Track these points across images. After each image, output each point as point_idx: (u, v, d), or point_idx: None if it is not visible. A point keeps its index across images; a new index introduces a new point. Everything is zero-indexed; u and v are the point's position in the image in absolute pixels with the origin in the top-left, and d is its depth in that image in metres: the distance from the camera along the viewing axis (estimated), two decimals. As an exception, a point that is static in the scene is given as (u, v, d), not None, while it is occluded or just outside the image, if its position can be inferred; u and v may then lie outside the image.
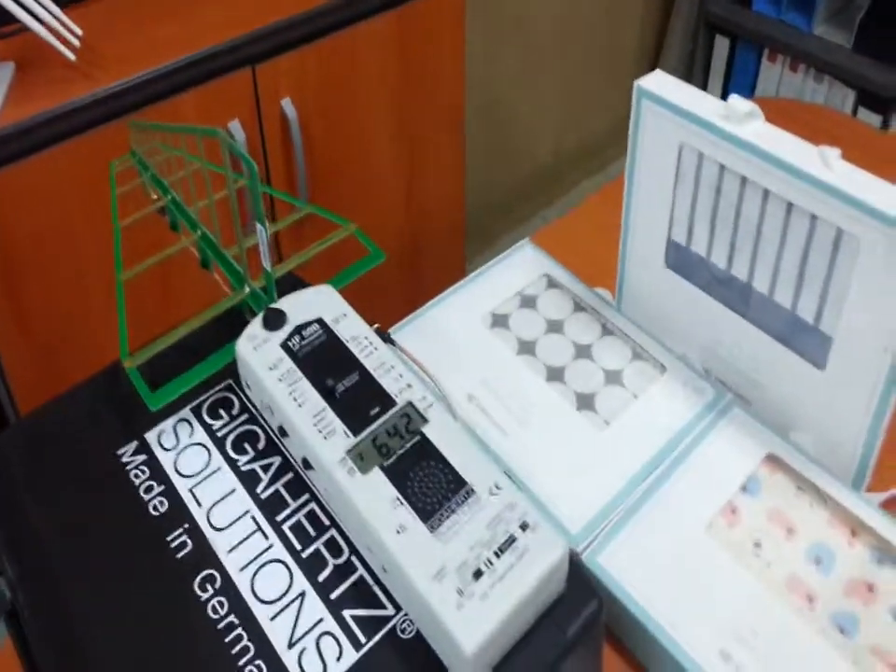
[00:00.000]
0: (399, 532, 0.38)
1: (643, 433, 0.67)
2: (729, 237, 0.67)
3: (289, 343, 0.46)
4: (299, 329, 0.46)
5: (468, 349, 0.73)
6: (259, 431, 0.48)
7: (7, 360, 0.94)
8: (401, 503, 0.39)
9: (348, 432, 0.42)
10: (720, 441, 0.67)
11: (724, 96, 2.49)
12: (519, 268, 0.82)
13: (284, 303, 0.48)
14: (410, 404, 0.43)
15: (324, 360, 0.45)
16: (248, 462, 0.46)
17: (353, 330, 0.46)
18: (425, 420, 0.43)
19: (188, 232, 0.56)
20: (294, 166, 1.06)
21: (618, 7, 2.04)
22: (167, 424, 0.48)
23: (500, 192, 2.03)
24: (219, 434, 0.48)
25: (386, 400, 0.43)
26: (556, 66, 1.99)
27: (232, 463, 0.46)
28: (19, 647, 0.44)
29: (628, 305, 0.78)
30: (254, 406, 0.49)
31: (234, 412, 0.49)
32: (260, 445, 0.47)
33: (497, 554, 0.38)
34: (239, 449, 0.47)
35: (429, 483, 0.40)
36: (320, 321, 0.47)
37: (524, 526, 0.38)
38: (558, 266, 0.82)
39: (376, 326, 0.49)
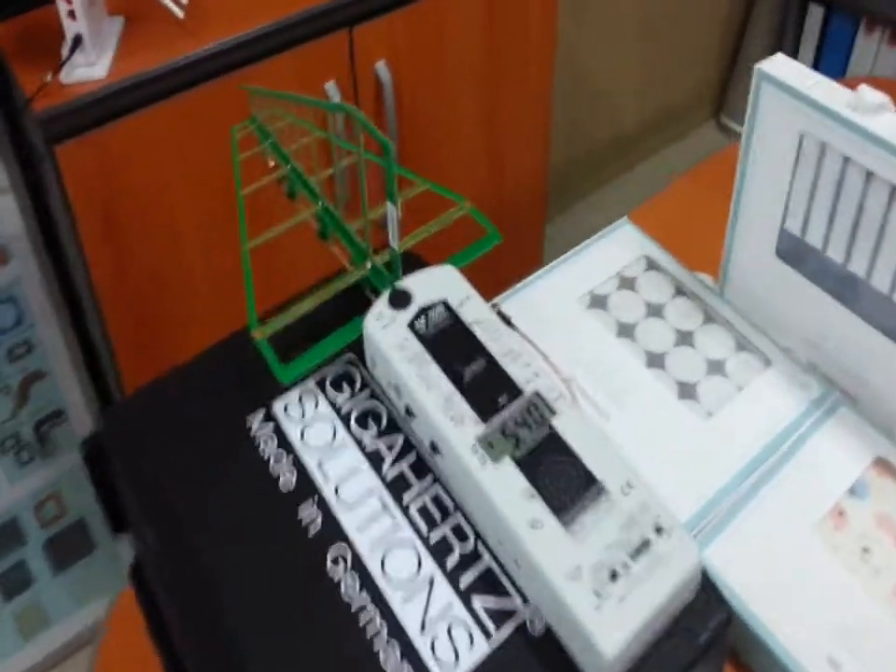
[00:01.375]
0: (533, 527, 0.38)
1: (747, 427, 0.66)
2: (849, 231, 0.64)
3: (416, 324, 0.45)
4: (424, 311, 0.46)
5: (565, 329, 0.72)
6: (382, 409, 0.48)
7: (112, 325, 0.96)
8: (534, 496, 0.39)
9: (478, 419, 0.42)
10: (826, 441, 0.65)
11: (816, 68, 2.40)
12: (617, 247, 0.80)
13: (408, 283, 0.47)
14: (538, 394, 0.43)
15: (450, 344, 0.45)
16: (373, 439, 0.46)
17: (477, 314, 0.46)
18: (553, 412, 0.42)
19: (307, 203, 0.56)
20: (385, 130, 1.05)
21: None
22: (292, 395, 0.48)
23: (580, 158, 1.99)
24: (343, 410, 0.48)
25: (514, 389, 0.43)
26: (640, 34, 1.94)
27: (357, 440, 0.46)
28: (144, 607, 0.45)
29: (732, 292, 0.76)
30: (377, 383, 0.49)
31: (356, 387, 0.49)
32: (383, 423, 0.47)
33: (632, 557, 0.37)
34: (363, 425, 0.47)
35: (560, 477, 0.39)
36: (445, 303, 0.46)
37: (658, 530, 0.38)
38: (657, 247, 0.80)
39: (497, 307, 0.49)
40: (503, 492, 0.39)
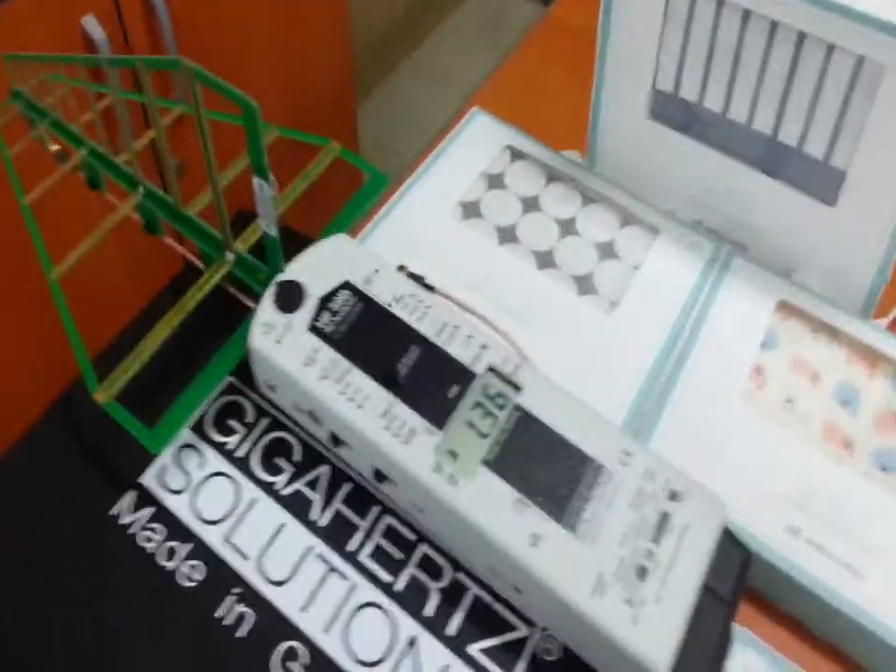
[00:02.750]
0: (533, 544, 0.32)
1: (654, 308, 0.62)
2: (727, 78, 0.59)
3: (319, 324, 0.36)
4: (324, 303, 0.37)
5: (445, 250, 0.65)
6: (290, 438, 0.38)
7: None
8: (525, 504, 0.32)
9: (430, 426, 0.34)
10: (730, 299, 0.63)
11: None
12: (476, 142, 0.72)
13: (294, 271, 0.38)
14: (493, 371, 0.35)
15: (369, 338, 0.36)
16: (289, 482, 0.37)
17: (391, 288, 0.37)
18: (516, 388, 0.35)
19: (116, 190, 0.44)
20: (162, 45, 0.88)
21: None
22: (165, 458, 0.38)
23: (377, 29, 1.85)
24: (238, 454, 0.38)
25: (463, 373, 0.35)
26: None
27: (268, 488, 0.37)
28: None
29: (604, 165, 0.70)
30: (274, 406, 0.40)
31: (248, 419, 0.39)
32: (297, 456, 0.38)
33: (655, 541, 0.32)
34: (271, 467, 0.37)
35: (548, 468, 0.33)
36: (348, 285, 0.37)
37: (673, 496, 0.33)
38: (518, 133, 0.72)
39: (406, 269, 0.40)
40: (487, 511, 0.32)
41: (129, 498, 0.37)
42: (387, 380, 0.35)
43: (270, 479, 0.37)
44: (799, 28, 0.53)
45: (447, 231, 0.65)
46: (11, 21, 0.72)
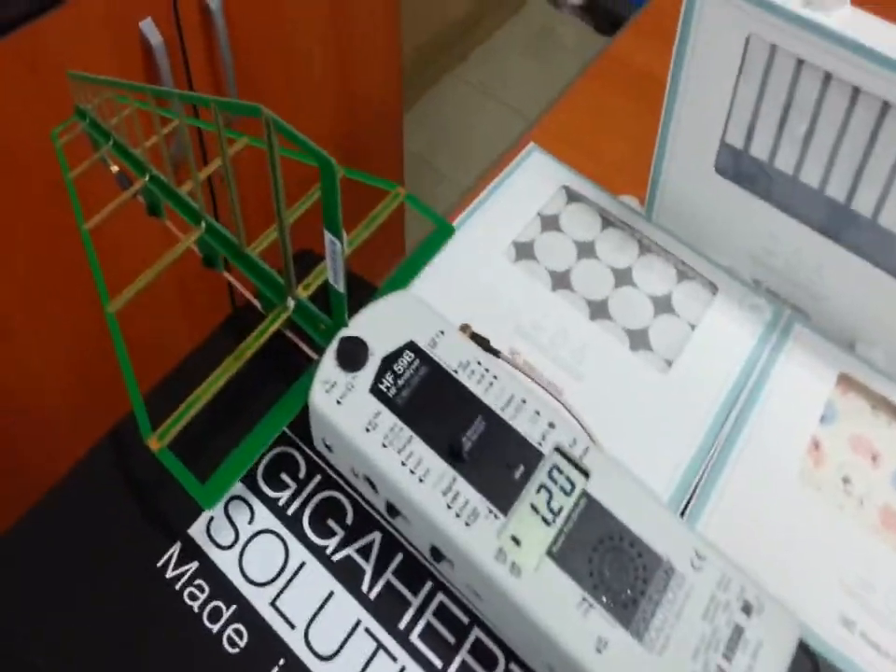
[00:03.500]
0: (598, 650, 0.30)
1: (709, 370, 0.60)
2: (801, 140, 0.57)
3: (381, 386, 0.34)
4: (388, 364, 0.35)
5: (496, 291, 0.63)
6: (343, 498, 0.37)
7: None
8: (591, 605, 0.30)
9: (493, 509, 0.32)
10: (790, 367, 0.61)
11: None
12: (532, 181, 0.70)
13: (357, 327, 0.36)
14: (559, 452, 0.33)
15: (433, 405, 0.34)
16: (339, 547, 0.35)
17: (457, 353, 0.35)
18: (584, 473, 0.33)
19: (176, 219, 0.42)
20: (220, 67, 0.87)
21: None
22: (215, 510, 0.36)
23: (415, 56, 1.84)
24: (290, 511, 0.36)
25: (529, 453, 0.33)
26: None
27: (318, 551, 0.35)
28: None
29: (663, 215, 0.68)
30: (328, 464, 0.38)
31: (301, 474, 0.37)
32: (349, 519, 0.36)
33: (726, 657, 0.30)
34: (322, 529, 0.35)
35: (615, 565, 0.31)
36: (412, 346, 0.35)
37: (747, 609, 0.31)
38: (574, 174, 0.70)
39: (469, 329, 0.38)
40: (550, 608, 0.30)
41: (176, 549, 0.35)
42: (451, 453, 0.33)
43: (320, 542, 0.35)
44: (882, 96, 0.51)
45: (499, 271, 0.63)
46: (70, 23, 0.70)
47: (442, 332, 0.35)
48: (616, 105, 0.81)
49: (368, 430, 0.33)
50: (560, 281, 0.64)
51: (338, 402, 0.34)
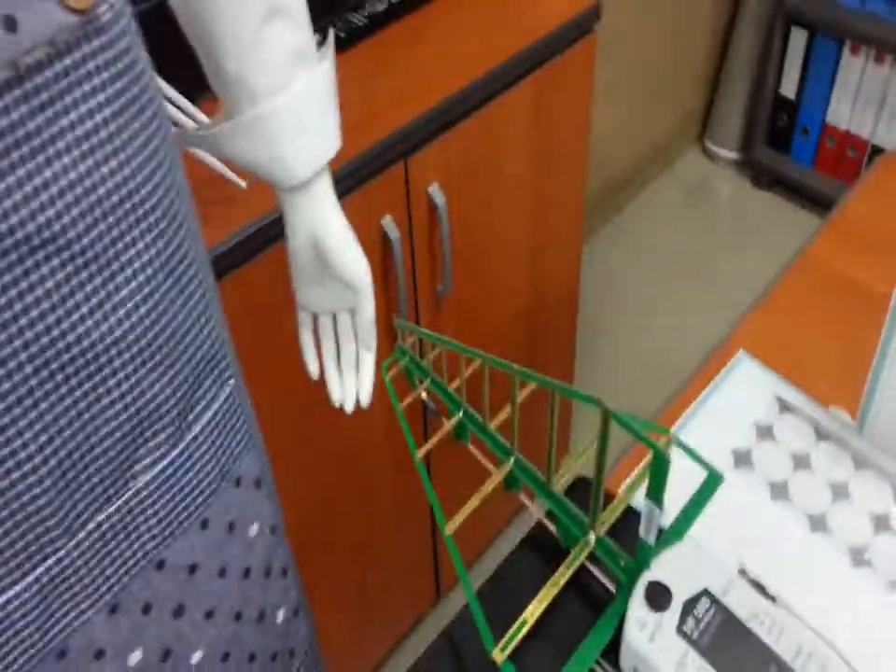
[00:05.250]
0: None
1: (933, 594, 0.62)
2: None
3: (685, 628, 0.40)
4: (689, 608, 0.41)
5: (717, 499, 0.67)
6: None
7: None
8: None
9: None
10: None
11: (801, 91, 2.40)
12: (745, 388, 0.75)
13: (657, 570, 0.42)
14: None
15: (732, 651, 0.39)
16: None
17: (747, 604, 0.41)
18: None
19: (479, 445, 0.50)
20: (440, 252, 0.99)
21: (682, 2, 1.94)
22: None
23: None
24: None
25: (821, 704, 0.38)
26: (624, 69, 1.90)
27: None
28: None
29: (876, 432, 0.72)
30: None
31: None
32: None
33: None
34: None
35: None
36: (707, 593, 0.41)
37: None
38: (785, 383, 0.75)
39: (747, 574, 0.43)
40: None
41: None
42: (753, 700, 0.38)
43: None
44: None
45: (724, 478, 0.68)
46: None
47: (732, 581, 0.41)
48: (816, 310, 0.86)
49: (677, 668, 0.39)
50: (778, 492, 0.68)
51: (650, 640, 0.40)
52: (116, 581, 0.45)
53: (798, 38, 1.96)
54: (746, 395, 0.75)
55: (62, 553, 0.42)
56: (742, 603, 0.41)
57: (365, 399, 0.62)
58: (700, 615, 0.40)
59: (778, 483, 0.69)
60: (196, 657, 0.52)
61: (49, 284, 0.36)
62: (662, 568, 0.42)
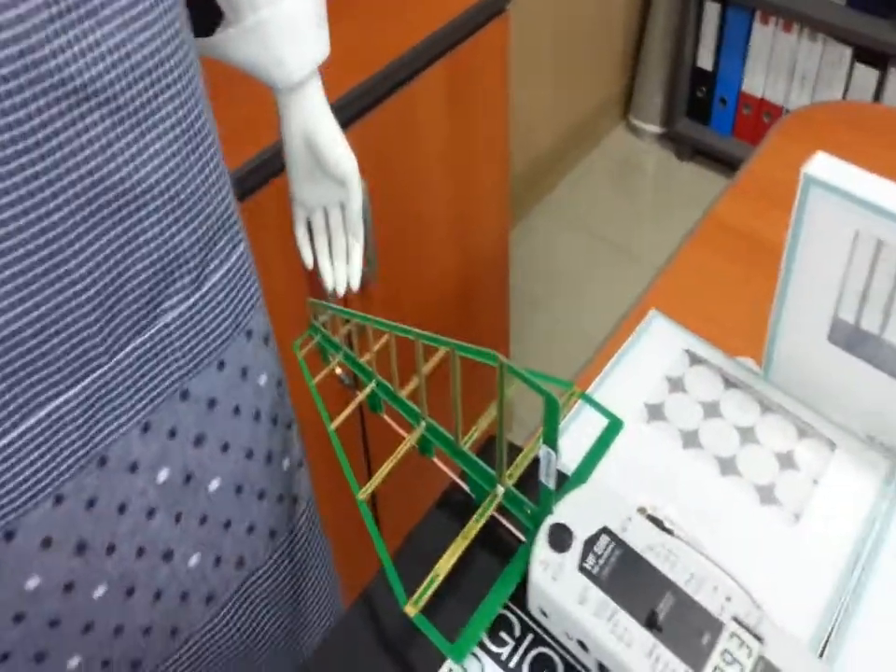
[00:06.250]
0: None
1: (835, 524, 0.67)
2: (908, 318, 0.65)
3: (586, 565, 0.43)
4: (589, 546, 0.43)
5: (633, 451, 0.71)
6: (553, 655, 0.45)
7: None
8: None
9: (689, 670, 0.40)
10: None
11: (717, 62, 2.47)
12: (657, 345, 0.79)
13: (559, 514, 0.45)
14: (737, 621, 0.41)
15: (630, 582, 0.42)
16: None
17: (644, 537, 0.44)
18: (760, 640, 0.41)
19: (394, 414, 0.52)
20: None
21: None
22: (448, 664, 0.45)
23: (514, 174, 1.98)
24: (511, 664, 0.45)
25: (712, 622, 0.41)
26: (549, 49, 1.94)
27: None
28: None
29: (779, 376, 0.76)
30: (537, 624, 0.46)
31: (516, 633, 0.46)
32: (560, 671, 0.44)
33: None
34: None
35: (795, 721, 0.38)
36: (607, 531, 0.44)
37: None
38: (694, 337, 0.79)
39: (645, 512, 0.47)
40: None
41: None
42: (649, 623, 0.41)
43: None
44: None
45: (635, 432, 0.72)
46: (249, 209, 0.84)
47: (630, 519, 0.44)
48: (724, 267, 0.90)
49: (580, 603, 0.42)
50: (690, 440, 0.72)
51: (553, 579, 0.43)
52: (148, 402, 0.53)
53: (711, 11, 2.01)
54: (657, 351, 0.78)
55: (104, 369, 0.49)
56: (639, 537, 0.44)
57: (355, 284, 0.73)
58: (600, 552, 0.43)
59: (690, 432, 0.73)
60: (214, 485, 0.59)
61: (96, 130, 0.43)
62: (564, 512, 0.45)
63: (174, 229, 0.50)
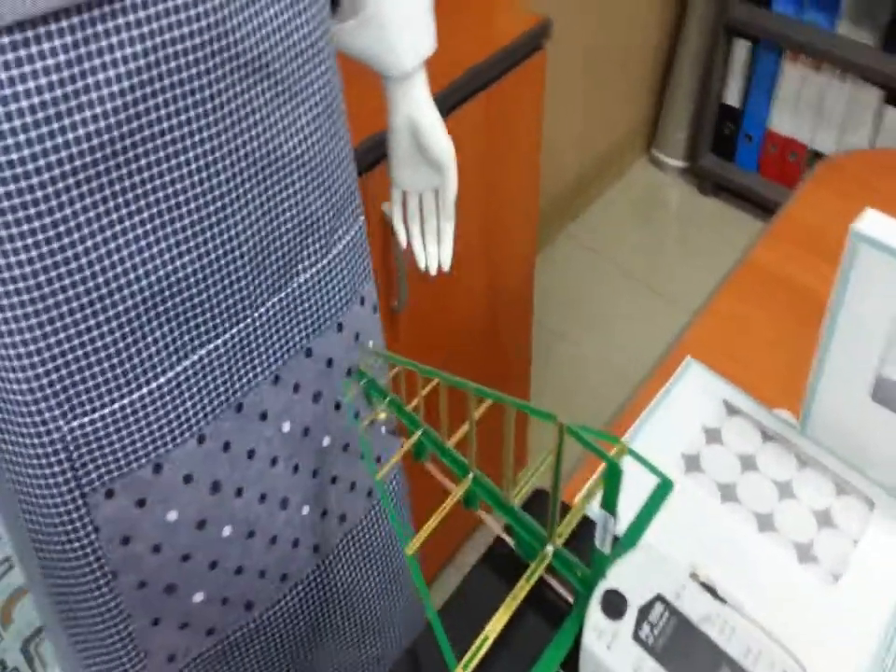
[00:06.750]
0: None
1: (875, 586, 0.65)
2: (956, 381, 0.64)
3: (641, 635, 0.42)
4: (644, 614, 0.43)
5: (670, 502, 0.70)
6: None
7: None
8: None
9: (747, 751, 0.39)
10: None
11: (745, 99, 2.48)
12: (693, 393, 0.78)
13: (613, 578, 0.44)
14: (795, 702, 0.40)
15: (686, 654, 0.41)
16: None
17: (699, 606, 0.43)
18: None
19: (438, 463, 0.51)
20: (394, 267, 1.00)
21: (628, 10, 1.98)
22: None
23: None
24: None
25: (769, 700, 0.40)
26: (580, 80, 1.94)
27: None
28: None
29: (817, 431, 0.75)
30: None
31: None
32: None
33: None
34: None
35: None
36: (661, 599, 0.43)
37: None
38: (731, 387, 0.78)
39: (698, 578, 0.46)
40: None
41: None
42: (706, 699, 0.40)
43: None
44: None
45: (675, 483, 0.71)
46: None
47: (684, 586, 0.43)
48: (759, 314, 0.89)
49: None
50: (727, 493, 0.71)
51: (607, 648, 0.42)
52: (280, 356, 0.57)
53: (741, 48, 2.01)
54: (694, 400, 0.77)
55: (248, 321, 0.54)
56: (694, 606, 0.43)
57: (446, 264, 0.79)
58: (655, 621, 0.42)
59: (727, 485, 0.72)
60: (326, 441, 0.63)
61: (259, 101, 0.49)
62: (617, 577, 0.44)
63: (312, 196, 0.55)
